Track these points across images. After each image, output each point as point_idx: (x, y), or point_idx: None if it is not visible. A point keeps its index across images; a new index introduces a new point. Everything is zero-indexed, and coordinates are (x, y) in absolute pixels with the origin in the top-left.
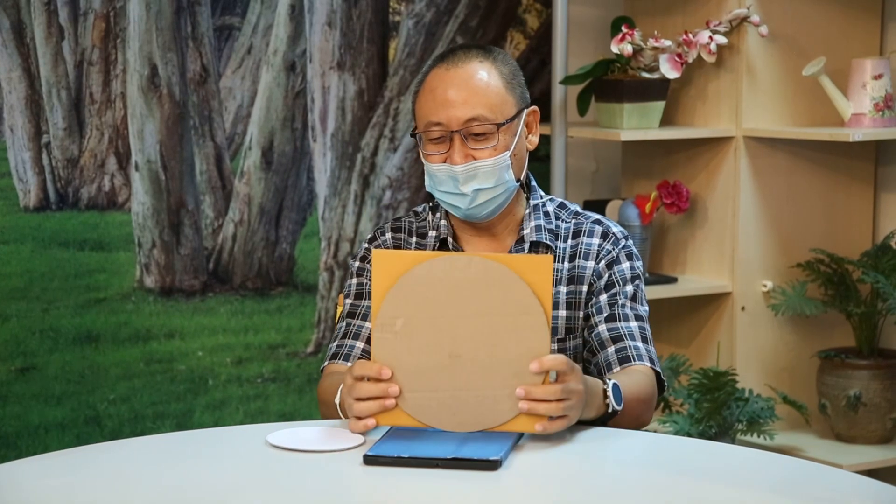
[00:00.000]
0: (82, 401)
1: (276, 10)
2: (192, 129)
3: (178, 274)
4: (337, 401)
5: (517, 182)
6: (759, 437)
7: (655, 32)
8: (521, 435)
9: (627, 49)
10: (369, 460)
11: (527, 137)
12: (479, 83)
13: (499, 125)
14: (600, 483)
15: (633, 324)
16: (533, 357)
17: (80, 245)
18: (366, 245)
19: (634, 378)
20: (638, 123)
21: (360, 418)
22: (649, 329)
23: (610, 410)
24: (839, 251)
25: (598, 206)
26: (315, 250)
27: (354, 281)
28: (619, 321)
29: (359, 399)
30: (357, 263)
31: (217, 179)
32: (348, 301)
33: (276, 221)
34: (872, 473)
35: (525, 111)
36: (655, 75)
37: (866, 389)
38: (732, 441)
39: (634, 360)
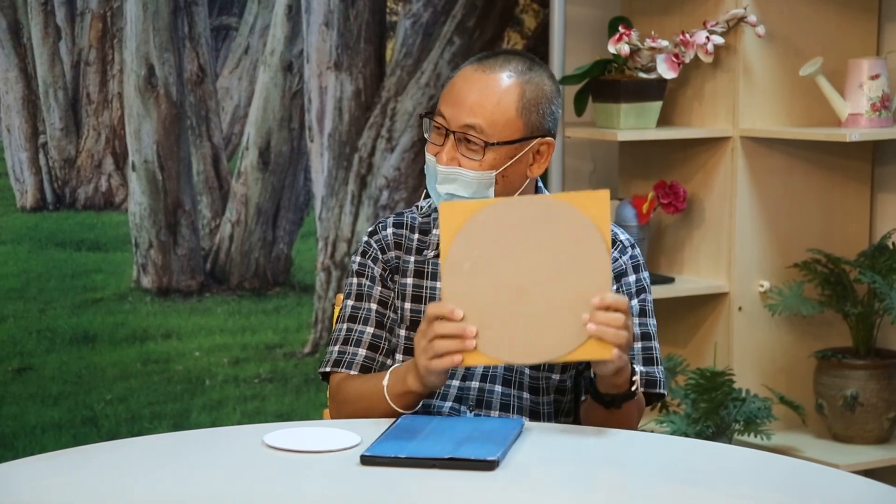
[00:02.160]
0: (79, 401)
1: (274, 10)
2: (189, 130)
3: (174, 274)
4: (385, 382)
5: None
6: (756, 437)
7: (652, 33)
8: (518, 434)
9: (624, 49)
10: (366, 460)
11: (530, 165)
12: (491, 96)
13: (487, 143)
14: (597, 483)
15: (637, 345)
16: (595, 287)
17: (77, 245)
18: (366, 239)
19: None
20: (635, 123)
21: (439, 357)
22: (656, 344)
23: (633, 388)
24: (836, 251)
25: None
26: (312, 250)
27: (355, 281)
28: None
29: (440, 336)
30: (358, 259)
31: (214, 180)
32: (349, 302)
33: (273, 222)
34: (869, 473)
35: (536, 140)
36: (652, 75)
37: (863, 389)
38: (729, 441)
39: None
